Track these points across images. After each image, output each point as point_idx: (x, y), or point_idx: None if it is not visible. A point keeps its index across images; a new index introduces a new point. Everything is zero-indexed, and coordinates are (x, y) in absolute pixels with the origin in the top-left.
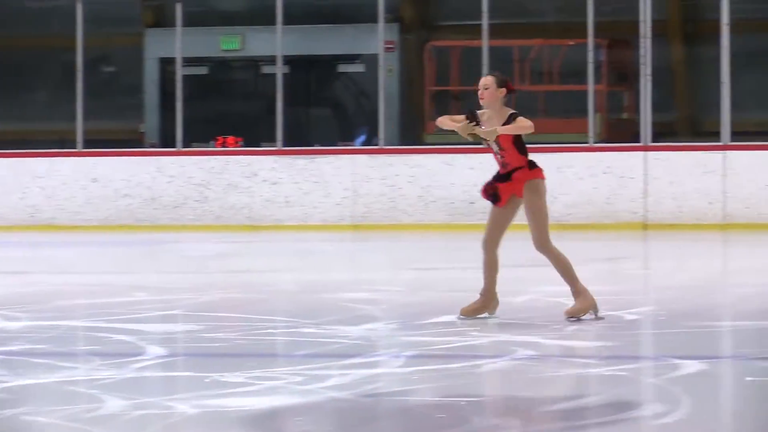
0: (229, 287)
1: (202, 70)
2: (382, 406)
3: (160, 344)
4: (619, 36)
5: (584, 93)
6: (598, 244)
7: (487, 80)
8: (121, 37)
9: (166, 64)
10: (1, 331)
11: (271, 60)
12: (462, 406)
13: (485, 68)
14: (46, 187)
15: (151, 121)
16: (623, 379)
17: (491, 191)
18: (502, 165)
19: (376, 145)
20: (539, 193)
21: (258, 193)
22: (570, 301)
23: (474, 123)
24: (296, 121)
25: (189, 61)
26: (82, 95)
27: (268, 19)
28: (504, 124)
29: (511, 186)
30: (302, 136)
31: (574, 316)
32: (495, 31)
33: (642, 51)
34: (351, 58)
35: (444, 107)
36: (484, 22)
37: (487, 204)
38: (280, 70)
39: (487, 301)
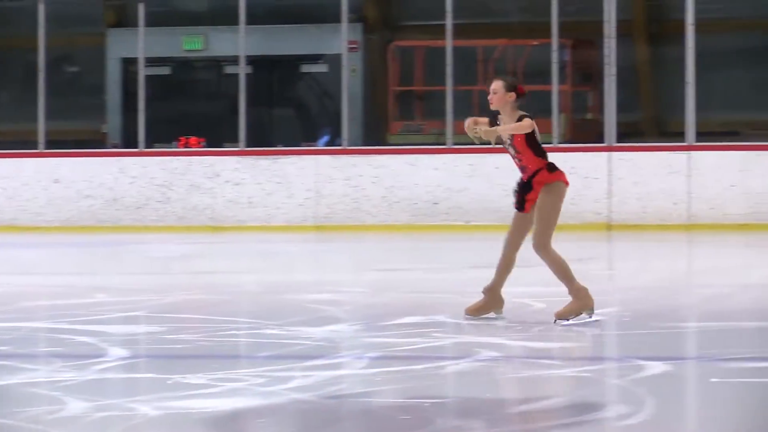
0: (192, 288)
1: (165, 71)
2: (345, 407)
3: (123, 346)
4: (583, 36)
5: (548, 93)
6: (562, 245)
7: (496, 84)
8: (84, 37)
9: (129, 64)
10: None
11: (233, 60)
12: (426, 407)
13: (449, 68)
14: (8, 188)
15: (113, 122)
16: (587, 380)
17: (517, 200)
18: (522, 169)
19: (340, 145)
20: (555, 194)
21: (221, 194)
22: (537, 303)
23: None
24: (259, 122)
25: (151, 62)
26: (44, 95)
27: (230, 19)
28: None
29: (534, 194)
30: (265, 137)
31: (563, 317)
32: (459, 31)
33: (606, 51)
34: (314, 58)
35: (408, 107)
36: (448, 22)
37: (451, 205)
38: (242, 70)
39: (491, 301)
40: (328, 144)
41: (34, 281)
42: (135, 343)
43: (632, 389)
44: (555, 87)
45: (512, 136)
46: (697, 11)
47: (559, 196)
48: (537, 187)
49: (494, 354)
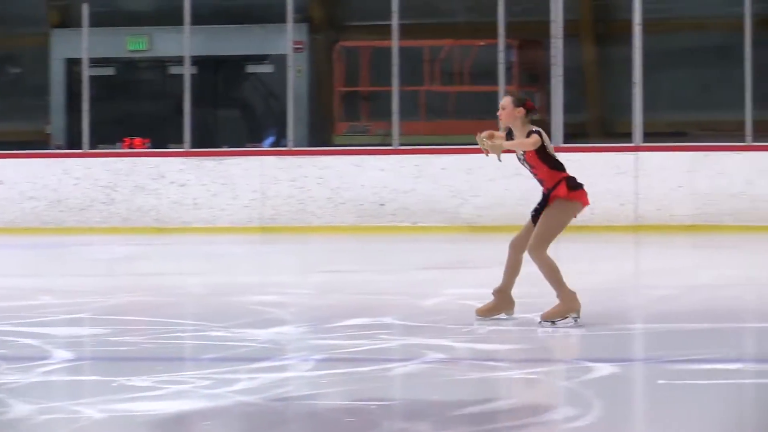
0: (137, 290)
1: (109, 71)
2: (291, 410)
3: (67, 348)
4: (530, 36)
5: (495, 94)
6: (505, 249)
7: (504, 101)
8: (27, 38)
9: (73, 64)
10: None
11: (178, 60)
12: (372, 409)
13: (395, 68)
14: None
15: (57, 123)
16: (535, 382)
17: (535, 211)
18: (540, 182)
19: (285, 146)
20: (567, 213)
21: (165, 195)
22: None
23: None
24: (204, 123)
25: (95, 62)
26: None
27: (175, 20)
28: None
29: None
30: (210, 138)
31: (548, 319)
32: (405, 32)
33: (553, 51)
34: (259, 59)
35: (353, 108)
36: (394, 22)
37: (397, 206)
38: (187, 70)
39: (501, 302)
40: (273, 145)
41: None
42: (79, 345)
43: (580, 391)
44: (502, 87)
45: (524, 151)
46: (645, 11)
47: (570, 215)
48: (552, 202)
49: (441, 356)
